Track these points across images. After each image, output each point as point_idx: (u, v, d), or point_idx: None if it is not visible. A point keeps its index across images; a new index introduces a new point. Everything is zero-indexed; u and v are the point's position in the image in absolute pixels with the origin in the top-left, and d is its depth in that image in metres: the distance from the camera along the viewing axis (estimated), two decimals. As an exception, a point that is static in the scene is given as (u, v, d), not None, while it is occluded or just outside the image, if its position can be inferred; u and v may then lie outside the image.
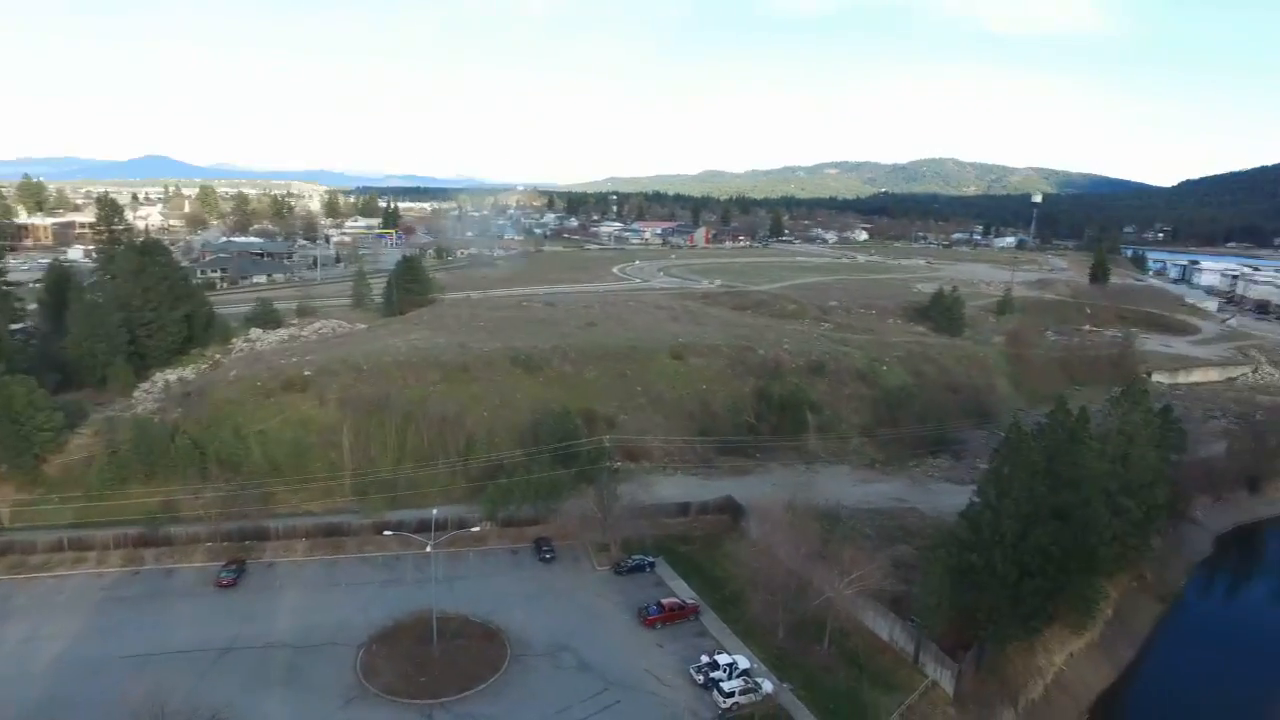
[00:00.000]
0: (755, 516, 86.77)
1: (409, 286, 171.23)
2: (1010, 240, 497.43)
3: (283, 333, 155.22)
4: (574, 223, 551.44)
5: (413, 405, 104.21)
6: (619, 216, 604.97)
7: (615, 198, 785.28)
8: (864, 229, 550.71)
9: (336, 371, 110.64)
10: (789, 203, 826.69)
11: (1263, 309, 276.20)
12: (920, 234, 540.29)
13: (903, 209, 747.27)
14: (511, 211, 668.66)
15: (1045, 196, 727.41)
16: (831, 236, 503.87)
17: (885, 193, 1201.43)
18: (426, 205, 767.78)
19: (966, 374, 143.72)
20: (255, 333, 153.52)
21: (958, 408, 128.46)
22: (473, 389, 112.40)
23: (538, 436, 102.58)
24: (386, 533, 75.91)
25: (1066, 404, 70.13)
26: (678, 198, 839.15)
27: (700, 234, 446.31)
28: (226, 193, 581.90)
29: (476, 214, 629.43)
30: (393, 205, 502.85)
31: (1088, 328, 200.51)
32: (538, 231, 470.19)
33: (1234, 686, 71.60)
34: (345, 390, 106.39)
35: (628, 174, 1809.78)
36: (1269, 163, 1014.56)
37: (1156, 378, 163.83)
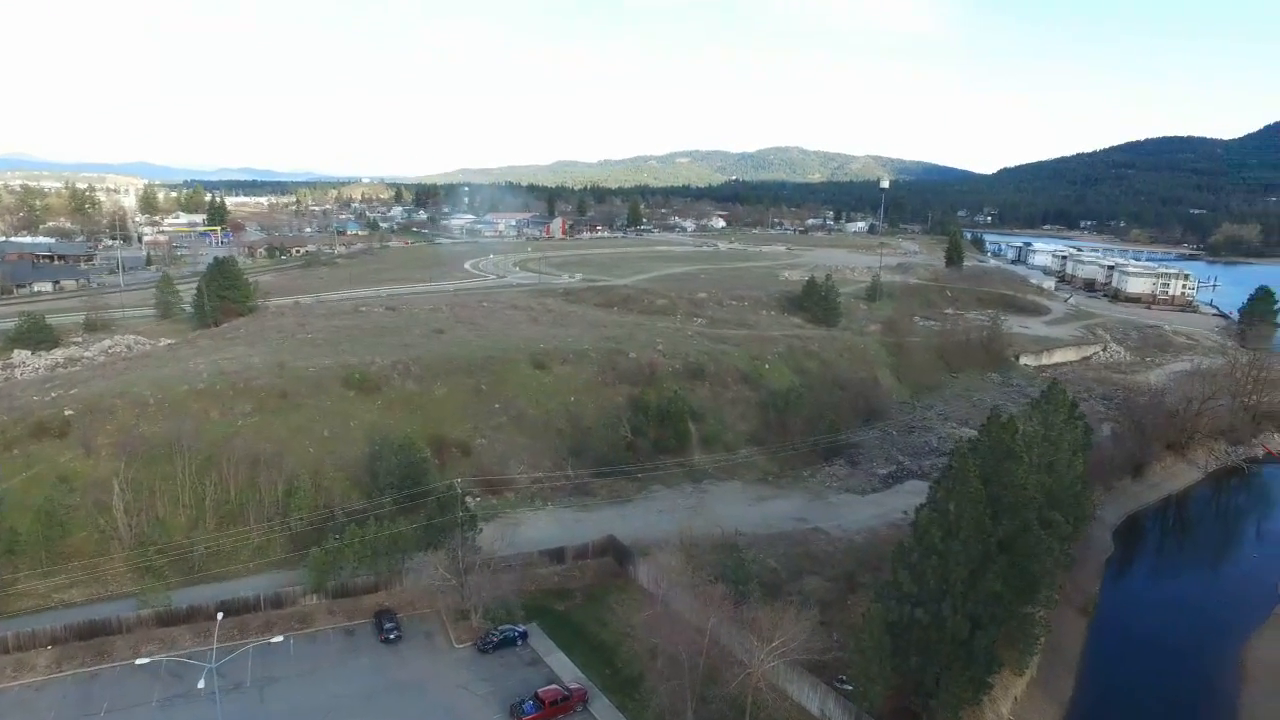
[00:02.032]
0: (644, 560, 73.46)
1: (224, 293, 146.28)
2: (862, 225, 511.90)
3: (59, 354, 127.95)
4: (423, 216, 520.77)
5: (215, 446, 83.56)
6: (471, 209, 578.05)
7: (467, 189, 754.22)
8: (720, 217, 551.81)
9: (111, 408, 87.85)
10: (643, 192, 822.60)
11: (1090, 287, 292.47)
12: (776, 220, 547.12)
13: (755, 196, 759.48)
14: (356, 205, 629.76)
15: (885, 185, 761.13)
16: (690, 225, 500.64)
17: (737, 180, 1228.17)
18: (263, 200, 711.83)
19: (850, 368, 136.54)
20: (19, 355, 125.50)
21: (847, 406, 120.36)
22: (295, 419, 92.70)
23: (376, 475, 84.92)
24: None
25: (1000, 415, 60.34)
26: (531, 188, 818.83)
27: (556, 225, 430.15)
28: (13, 186, 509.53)
29: (317, 209, 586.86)
30: (219, 200, 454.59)
31: (950, 311, 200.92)
32: (384, 226, 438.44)
33: (1169, 695, 65.96)
34: (123, 432, 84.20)
35: (479, 165, 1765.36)
36: (1068, 154, 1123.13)
37: (1023, 360, 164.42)
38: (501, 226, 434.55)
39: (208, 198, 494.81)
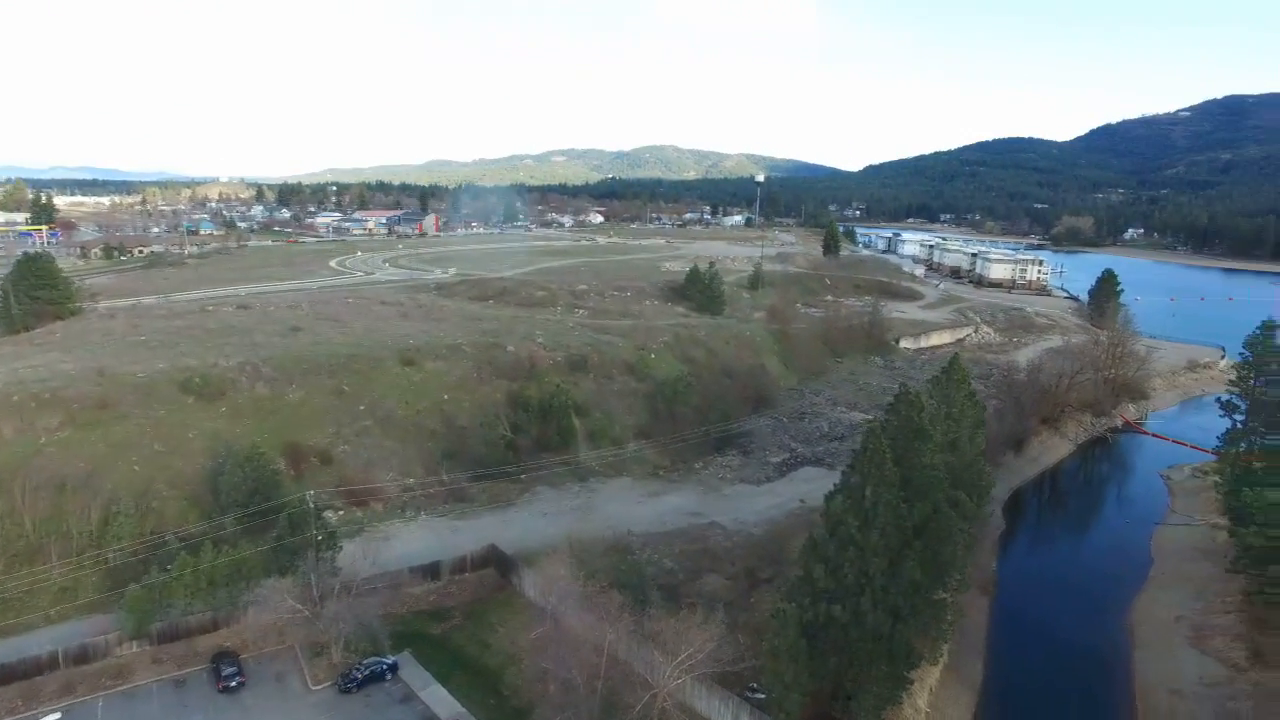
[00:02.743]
0: (529, 569, 66.38)
1: (37, 294, 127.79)
2: (739, 219, 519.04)
3: None
4: (286, 215, 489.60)
5: (6, 471, 70.21)
6: (338, 207, 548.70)
7: (335, 188, 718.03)
8: (599, 212, 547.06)
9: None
10: (520, 189, 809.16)
11: (956, 274, 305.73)
12: (654, 215, 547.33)
13: (631, 193, 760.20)
14: (212, 205, 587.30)
15: (759, 180, 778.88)
16: (568, 220, 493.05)
17: (613, 178, 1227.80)
18: (105, 200, 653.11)
19: (738, 356, 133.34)
20: None
21: (736, 394, 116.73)
22: (117, 433, 79.86)
23: (218, 493, 73.93)
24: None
25: (909, 392, 56.96)
26: (403, 187, 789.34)
27: (430, 221, 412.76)
28: None
29: (168, 208, 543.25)
30: (46, 198, 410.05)
31: (830, 298, 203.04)
32: (242, 225, 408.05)
33: (1071, 666, 65.14)
34: (-111, 458, 69.58)
35: (348, 165, 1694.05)
36: (927, 152, 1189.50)
37: (903, 344, 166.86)
38: (371, 224, 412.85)
39: (31, 195, 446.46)
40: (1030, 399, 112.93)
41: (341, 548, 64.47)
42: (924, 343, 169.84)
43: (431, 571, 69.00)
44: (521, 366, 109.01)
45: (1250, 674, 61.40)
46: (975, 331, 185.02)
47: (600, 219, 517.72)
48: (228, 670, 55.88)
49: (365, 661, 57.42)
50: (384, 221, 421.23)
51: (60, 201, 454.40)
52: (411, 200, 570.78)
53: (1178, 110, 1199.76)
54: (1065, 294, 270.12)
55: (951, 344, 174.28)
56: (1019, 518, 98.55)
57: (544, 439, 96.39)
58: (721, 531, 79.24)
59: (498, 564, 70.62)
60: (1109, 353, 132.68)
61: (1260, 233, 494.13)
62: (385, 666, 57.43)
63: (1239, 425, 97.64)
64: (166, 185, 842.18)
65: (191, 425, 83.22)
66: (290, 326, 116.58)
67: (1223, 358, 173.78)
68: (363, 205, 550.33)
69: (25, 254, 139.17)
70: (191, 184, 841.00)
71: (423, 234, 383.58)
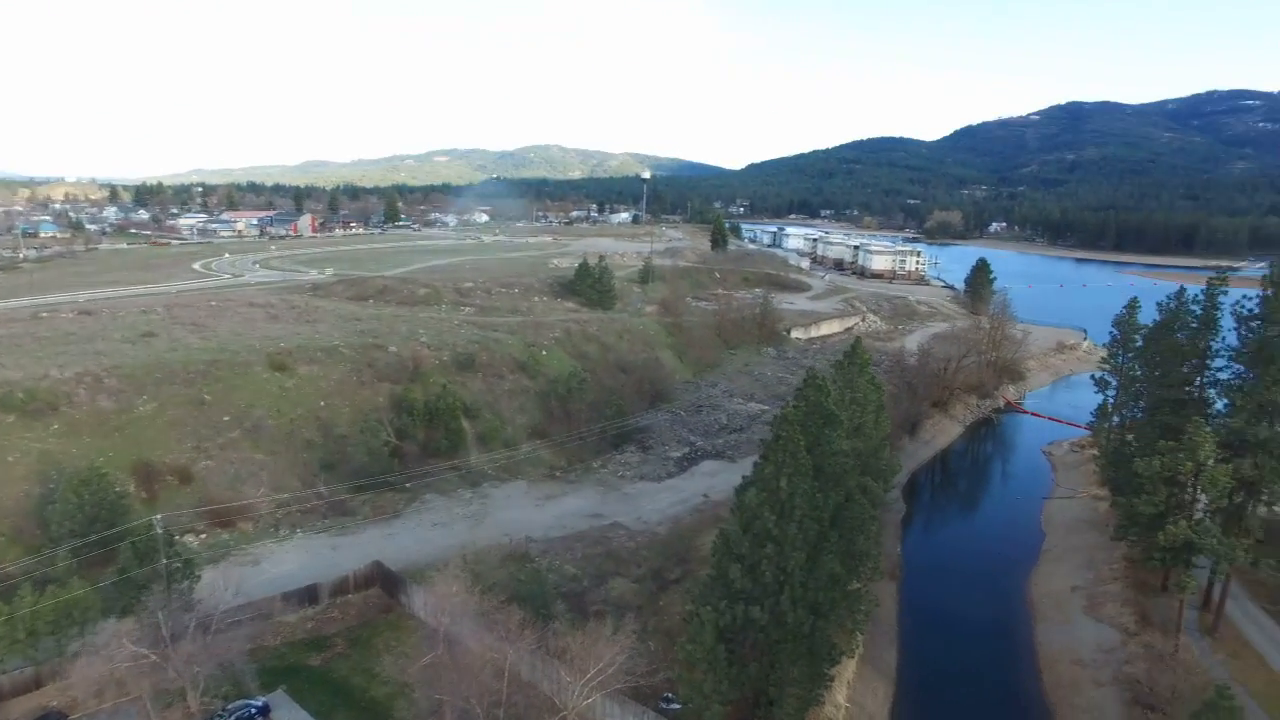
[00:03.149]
0: (419, 587, 60.80)
1: None
2: (626, 216, 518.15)
3: None
4: (145, 216, 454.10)
5: None
6: (204, 209, 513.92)
7: (201, 189, 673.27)
8: (484, 211, 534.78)
9: None
10: (401, 189, 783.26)
11: (839, 266, 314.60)
12: (541, 213, 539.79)
13: (517, 192, 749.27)
14: (56, 206, 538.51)
15: (645, 179, 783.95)
16: (452, 220, 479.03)
17: (497, 178, 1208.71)
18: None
19: (631, 350, 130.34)
20: None
21: (632, 389, 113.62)
22: (-78, 459, 68.80)
23: (47, 524, 64.61)
24: None
25: (816, 377, 54.92)
26: (277, 188, 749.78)
27: (305, 222, 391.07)
28: None
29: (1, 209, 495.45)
30: None
31: (720, 291, 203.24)
32: (92, 227, 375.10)
33: (979, 646, 65.55)
34: None
35: (216, 166, 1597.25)
36: (806, 150, 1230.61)
37: (794, 334, 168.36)
38: (241, 225, 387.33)
39: None
40: (922, 383, 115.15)
41: (199, 577, 56.98)
42: (814, 333, 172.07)
43: (309, 595, 62.29)
44: (405, 368, 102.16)
45: (1140, 637, 62.91)
46: (863, 320, 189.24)
47: (485, 218, 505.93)
48: (52, 737, 47.91)
49: (230, 706, 50.55)
50: (255, 223, 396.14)
51: None
52: (286, 201, 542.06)
53: (1029, 114, 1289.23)
54: (942, 283, 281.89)
55: (841, 333, 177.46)
56: (917, 500, 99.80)
57: (431, 444, 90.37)
58: (625, 532, 75.72)
59: (383, 582, 64.59)
60: (990, 337, 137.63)
61: (1104, 226, 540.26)
62: (254, 710, 50.70)
63: (1111, 401, 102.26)
64: (4, 185, 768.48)
65: (12, 447, 72.69)
66: (141, 332, 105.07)
67: (1085, 339, 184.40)
68: (232, 206, 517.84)
69: None
70: (31, 184, 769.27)
71: (298, 235, 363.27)
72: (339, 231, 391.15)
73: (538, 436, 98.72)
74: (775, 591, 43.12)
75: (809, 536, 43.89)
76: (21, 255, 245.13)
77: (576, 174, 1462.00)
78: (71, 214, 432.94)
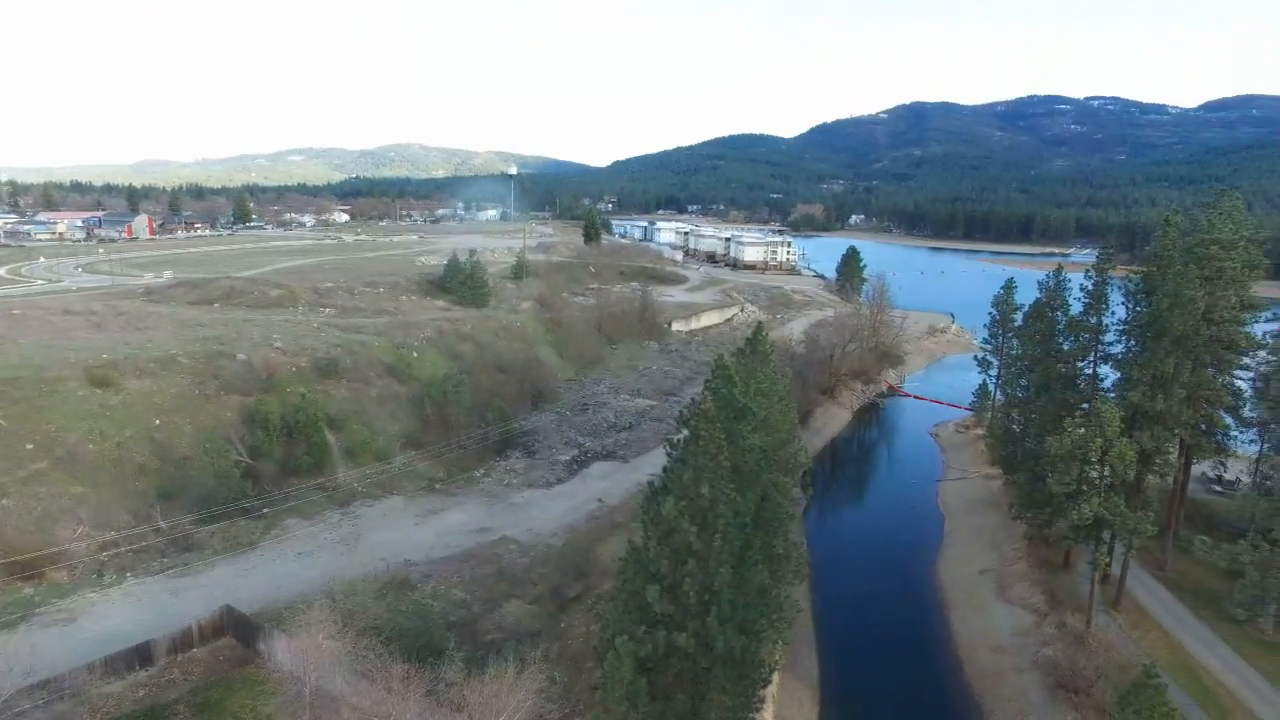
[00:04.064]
0: (281, 633, 51.86)
1: None
2: (494, 213, 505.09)
3: None
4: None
5: None
6: (15, 209, 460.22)
7: (8, 188, 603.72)
8: (344, 211, 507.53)
9: None
10: (253, 190, 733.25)
11: (712, 258, 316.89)
12: (405, 212, 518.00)
13: (378, 191, 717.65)
14: None
15: (511, 176, 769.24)
16: (309, 220, 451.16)
17: (357, 178, 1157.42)
18: None
19: (510, 349, 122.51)
20: None
21: (512, 390, 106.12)
22: None
23: None
24: None
25: (724, 367, 50.17)
26: (107, 188, 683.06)
27: (141, 223, 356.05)
28: None
29: None
30: None
31: (596, 286, 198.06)
32: None
33: (895, 638, 63.26)
34: None
35: (32, 164, 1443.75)
36: (669, 147, 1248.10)
37: (675, 326, 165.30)
38: (62, 227, 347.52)
39: None
40: (811, 371, 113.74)
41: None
42: (695, 324, 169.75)
43: (140, 656, 51.67)
44: (256, 377, 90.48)
45: (1051, 617, 62.16)
46: (742, 311, 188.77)
47: (346, 218, 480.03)
48: None
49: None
50: (80, 224, 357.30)
51: None
52: (118, 201, 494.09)
53: (878, 112, 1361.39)
54: (813, 273, 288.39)
55: (721, 324, 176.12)
56: (814, 491, 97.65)
57: (291, 461, 80.00)
58: (516, 547, 68.74)
59: (236, 631, 54.85)
60: (870, 323, 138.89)
61: (953, 217, 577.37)
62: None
63: (994, 381, 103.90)
64: None
65: None
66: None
67: (953, 323, 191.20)
68: (50, 206, 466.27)
69: None
70: None
71: (133, 238, 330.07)
72: (181, 233, 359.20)
73: (413, 446, 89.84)
74: (700, 613, 37.78)
75: (733, 546, 38.90)
76: None
77: (440, 173, 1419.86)
78: None
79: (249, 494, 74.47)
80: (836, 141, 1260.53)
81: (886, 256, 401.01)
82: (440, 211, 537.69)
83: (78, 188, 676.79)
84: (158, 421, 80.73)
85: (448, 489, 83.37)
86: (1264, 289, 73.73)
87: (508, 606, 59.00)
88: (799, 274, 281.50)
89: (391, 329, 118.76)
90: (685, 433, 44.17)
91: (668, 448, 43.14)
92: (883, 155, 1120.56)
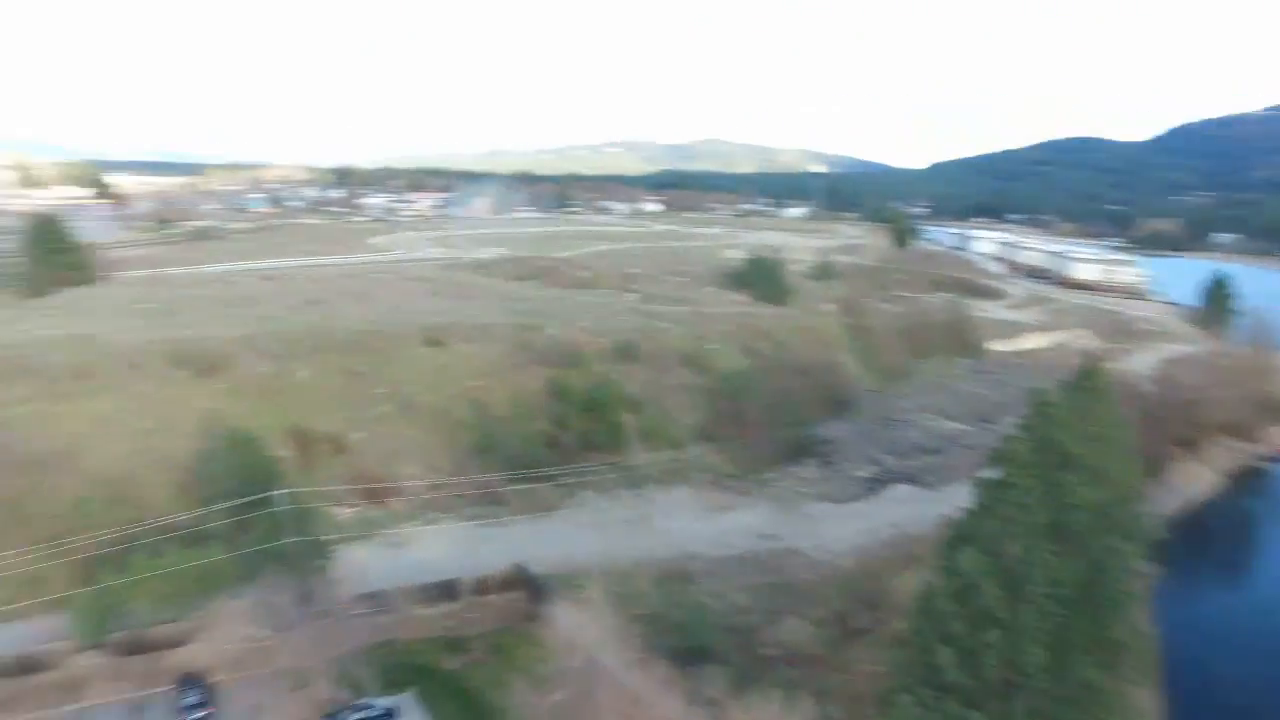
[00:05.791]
0: (564, 601, 53.11)
1: (49, 257, 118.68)
2: (799, 211, 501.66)
3: None
4: (337, 196, 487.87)
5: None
6: (391, 190, 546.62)
7: (384, 173, 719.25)
8: (655, 201, 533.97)
9: None
10: (575, 178, 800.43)
11: (1036, 274, 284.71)
12: (712, 205, 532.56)
13: (688, 184, 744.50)
14: (269, 185, 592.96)
15: (818, 174, 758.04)
16: (624, 208, 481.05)
17: (667, 170, 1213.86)
18: (175, 180, 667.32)
19: (808, 351, 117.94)
20: None
21: (809, 394, 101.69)
22: (97, 407, 68.96)
23: (202, 483, 62.25)
24: None
25: (1047, 402, 41.66)
26: (459, 174, 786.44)
27: (481, 204, 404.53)
28: None
29: (226, 188, 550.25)
30: (102, 177, 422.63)
31: (905, 294, 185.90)
32: (292, 204, 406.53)
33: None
34: None
35: (407, 153, 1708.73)
36: (992, 151, 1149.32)
37: (992, 345, 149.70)
38: (420, 205, 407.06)
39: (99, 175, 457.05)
40: (1168, 418, 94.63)
41: (333, 559, 52.25)
42: (1015, 345, 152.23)
43: (448, 591, 55.96)
44: (562, 352, 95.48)
45: None
46: (1073, 336, 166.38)
47: (656, 208, 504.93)
48: (191, 699, 44.58)
49: (359, 703, 45.11)
50: (434, 203, 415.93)
51: (131, 181, 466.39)
52: (465, 185, 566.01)
53: (1264, 109, 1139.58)
54: (1161, 298, 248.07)
55: (1046, 348, 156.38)
56: (1168, 565, 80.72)
57: (590, 437, 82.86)
58: (803, 561, 64.80)
59: (527, 587, 57.35)
60: (1249, 366, 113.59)
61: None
62: (379, 714, 44.80)
63: None
64: (231, 169, 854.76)
65: (183, 403, 71.81)
66: (308, 300, 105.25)
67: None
68: (415, 189, 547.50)
69: (38, 216, 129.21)
70: (253, 167, 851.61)
71: (474, 217, 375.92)
72: (513, 215, 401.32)
73: (704, 439, 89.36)
74: (1003, 694, 31.18)
75: (1051, 624, 31.59)
76: (231, 227, 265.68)
77: (746, 168, 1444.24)
78: (279, 193, 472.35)
79: (551, 462, 78.21)
80: (1197, 145, 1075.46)
81: (1269, 286, 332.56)
82: (745, 206, 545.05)
83: (436, 173, 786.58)
84: (477, 383, 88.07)
85: (737, 487, 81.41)
86: None
87: (788, 623, 55.33)
88: (1144, 299, 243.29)
89: (690, 319, 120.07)
90: (992, 474, 37.49)
91: (974, 487, 36.89)
92: (1262, 162, 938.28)
